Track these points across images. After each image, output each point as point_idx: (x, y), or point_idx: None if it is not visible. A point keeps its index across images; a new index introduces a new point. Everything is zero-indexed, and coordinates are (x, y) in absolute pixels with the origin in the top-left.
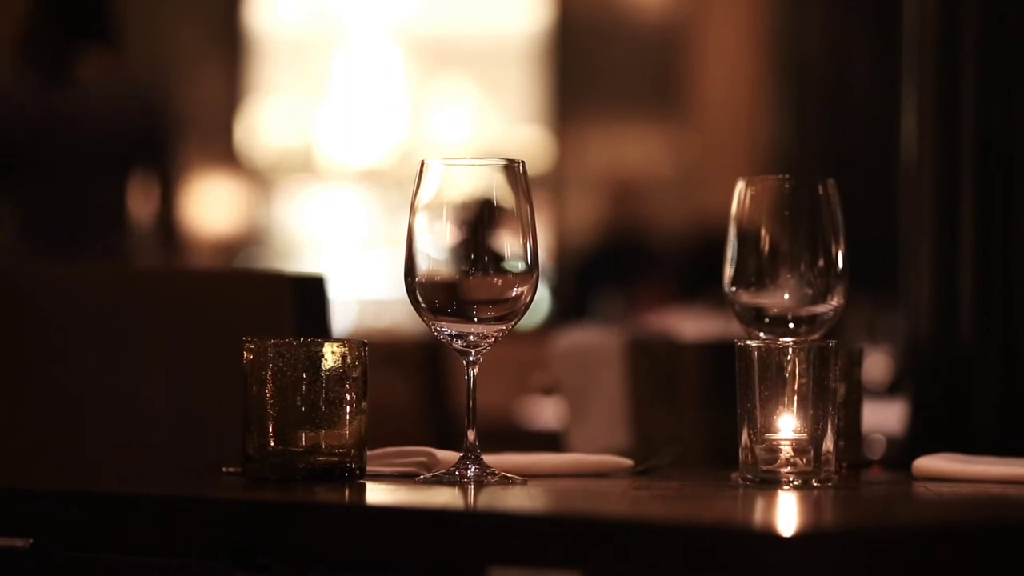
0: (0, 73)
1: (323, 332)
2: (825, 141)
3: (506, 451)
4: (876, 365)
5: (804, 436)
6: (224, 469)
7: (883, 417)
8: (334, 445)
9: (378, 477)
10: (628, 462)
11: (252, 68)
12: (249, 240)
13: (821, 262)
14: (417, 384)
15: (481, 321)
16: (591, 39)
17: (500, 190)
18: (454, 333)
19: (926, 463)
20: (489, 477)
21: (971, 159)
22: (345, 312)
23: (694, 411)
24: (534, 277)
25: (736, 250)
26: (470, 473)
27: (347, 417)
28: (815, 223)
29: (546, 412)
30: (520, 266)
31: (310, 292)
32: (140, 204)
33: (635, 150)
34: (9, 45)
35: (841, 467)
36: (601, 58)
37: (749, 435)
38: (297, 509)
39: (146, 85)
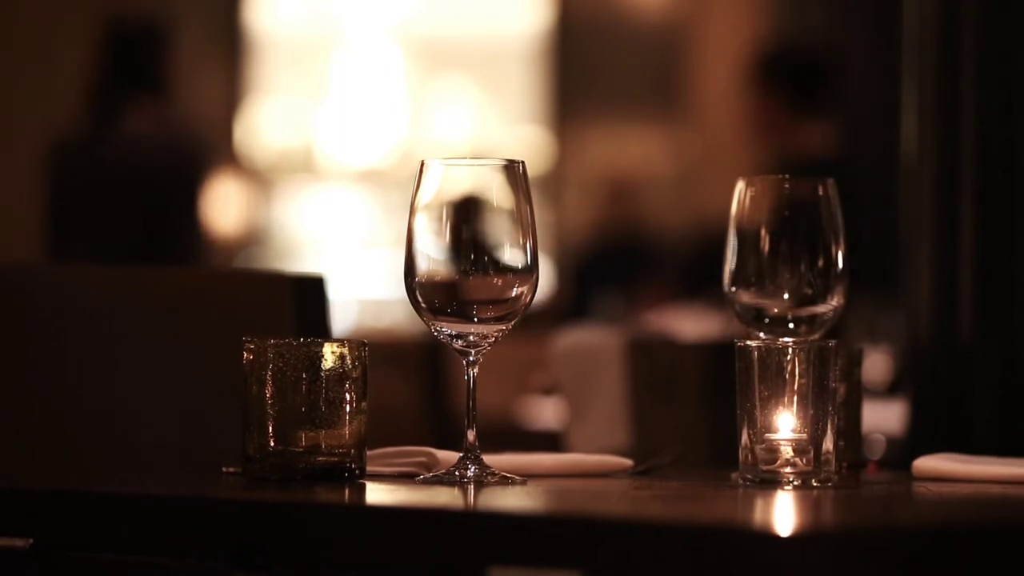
0: (67, 119)
1: (323, 332)
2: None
3: (506, 451)
4: (876, 365)
5: (804, 436)
6: (224, 469)
7: (883, 417)
8: (334, 445)
9: (378, 477)
10: (628, 462)
11: (252, 68)
12: (249, 240)
13: (821, 262)
14: (417, 384)
15: (481, 321)
16: (591, 39)
17: (500, 190)
18: (454, 333)
19: (926, 463)
20: (489, 477)
21: (971, 159)
22: (345, 312)
23: (694, 411)
24: (534, 277)
25: (736, 250)
26: (470, 473)
27: (347, 417)
28: (815, 223)
29: (546, 412)
30: (520, 266)
31: (310, 292)
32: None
33: (635, 150)
34: (76, 96)
35: (841, 467)
36: (601, 58)
37: (749, 435)
38: (297, 509)
39: (187, 136)
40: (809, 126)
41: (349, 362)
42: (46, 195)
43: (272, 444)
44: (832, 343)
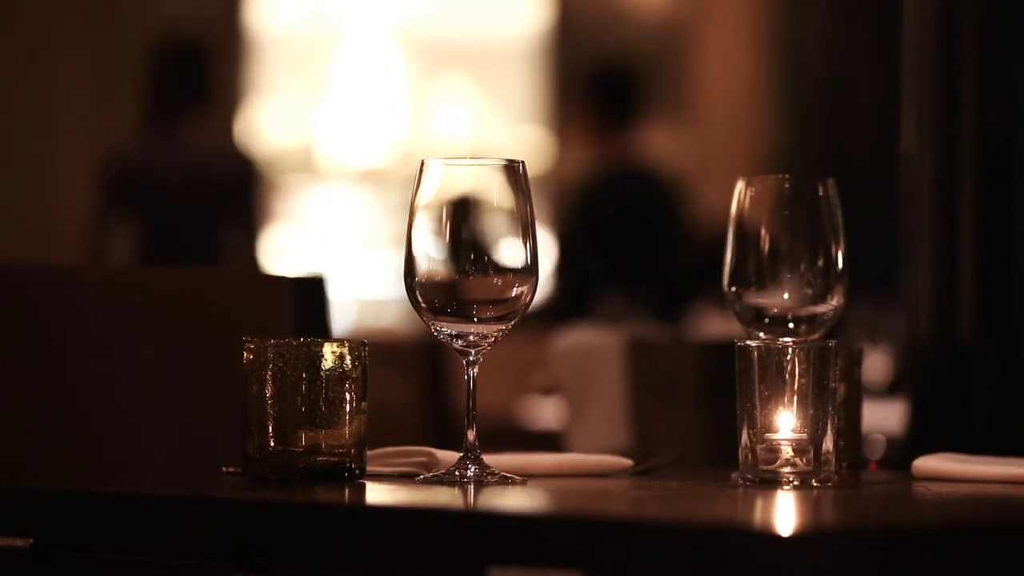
0: (128, 126)
1: (323, 332)
2: (825, 141)
3: (506, 451)
4: (876, 365)
5: (804, 436)
6: (224, 469)
7: (883, 417)
8: (334, 445)
9: (378, 477)
10: (628, 462)
11: (252, 68)
12: None
13: (821, 262)
14: (417, 384)
15: (481, 321)
16: (591, 39)
17: (500, 190)
18: (454, 333)
19: (926, 463)
20: (489, 477)
21: (971, 159)
22: (345, 312)
23: (694, 411)
24: (534, 277)
25: (736, 250)
26: (470, 473)
27: (347, 417)
28: (815, 223)
29: (546, 412)
30: (520, 266)
31: (310, 292)
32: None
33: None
34: (135, 105)
35: (841, 467)
36: (601, 58)
37: (749, 435)
38: (297, 509)
39: (236, 140)
40: (628, 136)
41: (349, 362)
42: (103, 207)
43: (272, 444)
44: (832, 343)
